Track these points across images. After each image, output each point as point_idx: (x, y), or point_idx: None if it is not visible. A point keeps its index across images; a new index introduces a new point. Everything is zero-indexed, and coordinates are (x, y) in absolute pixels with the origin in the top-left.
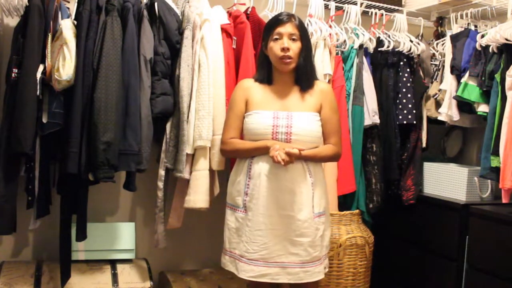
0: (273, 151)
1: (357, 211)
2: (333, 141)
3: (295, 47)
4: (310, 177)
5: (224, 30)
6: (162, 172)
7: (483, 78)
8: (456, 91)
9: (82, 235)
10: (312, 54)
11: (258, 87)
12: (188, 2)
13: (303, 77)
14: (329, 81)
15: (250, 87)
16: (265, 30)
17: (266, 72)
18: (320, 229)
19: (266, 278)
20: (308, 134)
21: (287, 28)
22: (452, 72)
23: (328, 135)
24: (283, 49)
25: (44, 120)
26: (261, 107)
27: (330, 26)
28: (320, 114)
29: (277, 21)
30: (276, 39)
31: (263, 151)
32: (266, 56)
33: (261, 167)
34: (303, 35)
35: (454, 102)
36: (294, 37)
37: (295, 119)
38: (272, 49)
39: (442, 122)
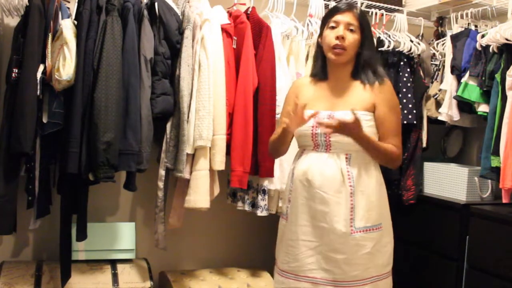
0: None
1: None
2: (393, 142)
3: (351, 38)
4: (350, 185)
5: (224, 30)
6: (162, 172)
7: (483, 78)
8: (456, 91)
9: (82, 235)
10: (374, 49)
11: (311, 84)
12: (188, 2)
13: (366, 72)
14: None
15: (302, 85)
16: (323, 20)
17: (320, 66)
18: (367, 246)
19: None
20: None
21: (346, 17)
22: (452, 72)
23: (384, 138)
24: (337, 38)
25: (44, 120)
26: (307, 106)
27: None
28: (375, 113)
29: (336, 8)
30: (333, 27)
31: (285, 134)
32: (321, 47)
33: (299, 172)
34: (364, 27)
35: (454, 102)
36: (352, 27)
37: (336, 119)
38: (326, 38)
39: (442, 122)
